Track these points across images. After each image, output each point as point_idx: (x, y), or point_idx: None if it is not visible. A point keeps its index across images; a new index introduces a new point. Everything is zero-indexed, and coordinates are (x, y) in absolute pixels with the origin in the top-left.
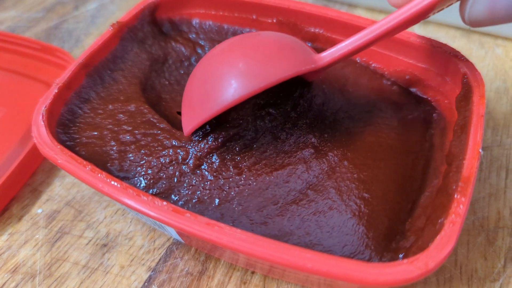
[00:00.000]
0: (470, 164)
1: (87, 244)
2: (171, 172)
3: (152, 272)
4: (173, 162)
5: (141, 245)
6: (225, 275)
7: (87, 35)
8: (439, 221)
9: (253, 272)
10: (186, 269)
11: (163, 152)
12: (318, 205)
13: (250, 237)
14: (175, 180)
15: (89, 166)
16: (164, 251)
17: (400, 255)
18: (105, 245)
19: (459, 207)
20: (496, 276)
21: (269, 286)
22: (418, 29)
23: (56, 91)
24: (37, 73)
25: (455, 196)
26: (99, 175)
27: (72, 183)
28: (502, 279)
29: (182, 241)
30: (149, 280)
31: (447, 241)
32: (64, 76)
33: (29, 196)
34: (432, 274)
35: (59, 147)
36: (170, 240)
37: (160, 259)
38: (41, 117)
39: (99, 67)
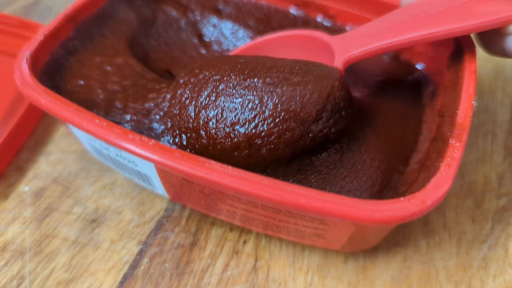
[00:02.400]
0: (464, 113)
1: (76, 220)
2: (154, 118)
3: (143, 245)
4: (156, 109)
5: (130, 219)
6: (216, 246)
7: None
8: (435, 165)
9: (245, 242)
10: (177, 241)
11: (150, 96)
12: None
13: (241, 173)
14: (159, 129)
15: (75, 106)
16: (154, 224)
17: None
18: (94, 221)
19: (454, 152)
20: (484, 238)
21: (262, 255)
22: None
23: (41, 38)
24: (17, 50)
25: (450, 141)
26: (84, 114)
27: (58, 160)
28: (490, 240)
29: (168, 197)
30: (140, 253)
31: (443, 181)
32: (49, 26)
33: (15, 174)
34: (422, 237)
35: (42, 88)
36: (160, 213)
37: (150, 232)
38: (25, 60)
39: (86, 22)
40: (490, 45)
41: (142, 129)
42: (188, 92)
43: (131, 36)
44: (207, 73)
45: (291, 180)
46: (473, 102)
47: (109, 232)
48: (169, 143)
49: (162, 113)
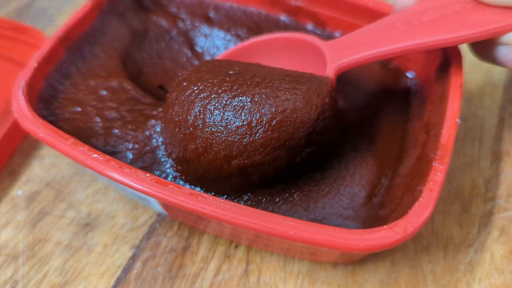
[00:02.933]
0: (447, 132)
1: (69, 224)
2: (155, 144)
3: (136, 249)
4: (156, 135)
5: (124, 223)
6: (208, 250)
7: (61, 14)
8: (418, 188)
9: (236, 246)
10: (170, 245)
11: (149, 123)
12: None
13: (233, 206)
14: (159, 154)
15: (72, 140)
16: (147, 228)
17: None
18: (87, 225)
19: (437, 175)
20: (470, 242)
21: (253, 259)
22: None
23: (36, 65)
24: (10, 53)
25: (433, 164)
26: (82, 148)
27: (52, 164)
28: (476, 244)
29: (166, 213)
30: (133, 257)
31: (425, 207)
32: (43, 50)
33: (8, 178)
34: (410, 241)
35: (40, 120)
36: (153, 218)
37: (143, 237)
38: (21, 91)
39: (78, 41)
40: (481, 53)
41: (145, 156)
42: (175, 114)
43: (124, 52)
44: (194, 88)
45: (277, 199)
46: (457, 120)
47: (102, 236)
48: (172, 168)
49: (161, 140)
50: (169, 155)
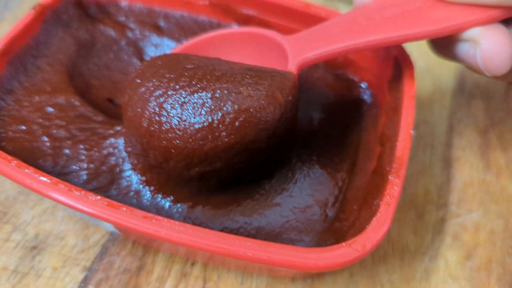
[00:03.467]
0: (402, 145)
1: (15, 247)
2: (114, 163)
3: (87, 271)
4: (115, 151)
5: (74, 244)
6: (164, 269)
7: (0, 21)
8: (375, 202)
9: (193, 264)
10: (124, 265)
11: (105, 143)
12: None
13: (188, 228)
14: (117, 170)
15: (15, 162)
16: (99, 248)
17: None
18: (35, 247)
19: (393, 188)
20: (425, 249)
21: (210, 276)
22: (344, 9)
23: None
24: None
25: (389, 177)
26: (26, 170)
27: None
28: (431, 251)
29: (119, 233)
30: (85, 280)
31: (383, 222)
32: None
33: None
34: None
35: None
36: (105, 237)
37: (95, 258)
38: None
39: (20, 54)
40: (442, 49)
41: (101, 176)
42: (131, 118)
43: (70, 65)
44: (149, 85)
45: (230, 208)
46: (411, 132)
47: (51, 259)
48: (136, 178)
49: (123, 155)
50: (133, 166)
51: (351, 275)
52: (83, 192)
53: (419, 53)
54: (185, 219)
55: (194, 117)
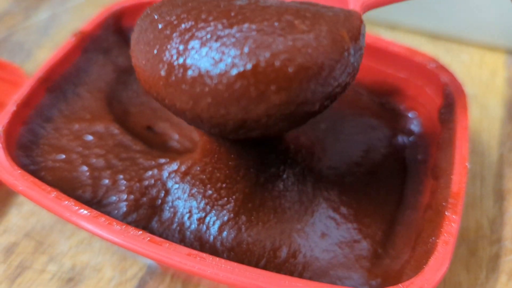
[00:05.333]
0: (458, 179)
1: (51, 279)
2: (155, 194)
3: None
4: (158, 183)
5: (111, 277)
6: None
7: (39, 48)
8: (431, 240)
9: None
10: None
11: (146, 174)
12: (289, 226)
13: (235, 267)
14: (158, 202)
15: (54, 193)
16: (137, 282)
17: (394, 273)
18: (71, 279)
19: (451, 225)
20: None
21: None
22: (384, 34)
23: (14, 108)
24: None
25: (446, 213)
26: (66, 202)
27: (31, 212)
28: None
29: (157, 266)
30: None
31: (441, 262)
32: (22, 92)
33: None
34: None
35: (19, 171)
36: (143, 270)
37: None
38: None
39: (60, 82)
40: None
41: (142, 208)
42: (144, 64)
43: (109, 92)
44: (171, 19)
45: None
46: (467, 165)
47: None
48: (181, 213)
49: (165, 188)
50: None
51: None
52: (124, 226)
53: (465, 80)
54: (229, 251)
55: (232, 59)
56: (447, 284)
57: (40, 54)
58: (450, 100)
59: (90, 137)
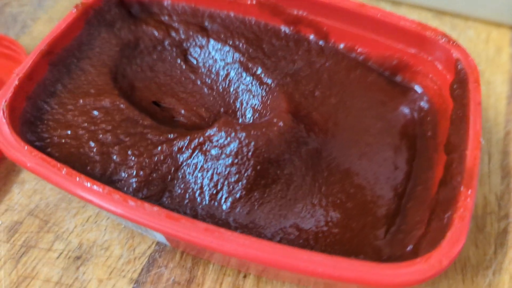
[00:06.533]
0: (472, 154)
1: (57, 257)
2: (165, 170)
3: (135, 284)
4: (168, 159)
5: (119, 255)
6: (215, 282)
7: (34, 20)
8: (446, 215)
9: (245, 276)
10: (172, 278)
11: (156, 150)
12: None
13: (254, 242)
14: (169, 178)
15: (65, 169)
16: (146, 259)
17: (408, 247)
18: (78, 258)
19: (467, 201)
20: (488, 263)
21: None
22: (389, 8)
23: (17, 82)
24: None
25: (461, 188)
26: (77, 178)
27: (34, 190)
28: (494, 265)
29: (167, 243)
30: None
31: (458, 236)
32: (24, 66)
33: None
34: None
35: (26, 148)
36: (151, 247)
37: (142, 269)
38: (1, 113)
39: (63, 55)
40: None
41: (152, 183)
42: None
43: (114, 66)
44: None
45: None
46: (481, 141)
47: (96, 271)
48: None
49: (175, 165)
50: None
51: None
52: (138, 202)
53: (472, 56)
54: (242, 228)
55: None
56: (456, 259)
57: (36, 26)
58: (463, 75)
59: (96, 113)
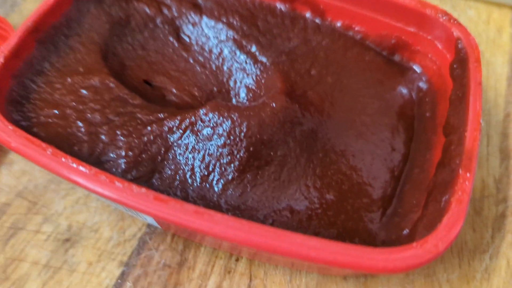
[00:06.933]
0: (472, 136)
1: (46, 240)
2: (155, 150)
3: (124, 267)
4: (158, 139)
5: (109, 237)
6: (207, 265)
7: None
8: (444, 198)
9: (237, 259)
10: (163, 261)
11: (145, 130)
12: (297, 185)
13: (245, 225)
14: (159, 159)
15: (50, 150)
16: (136, 242)
17: (404, 231)
18: (67, 240)
19: (465, 184)
20: (485, 247)
21: (256, 273)
22: None
23: (2, 61)
24: None
25: (459, 171)
26: (63, 159)
27: (22, 171)
28: (491, 249)
29: (157, 226)
30: (122, 276)
31: (455, 220)
32: (9, 43)
33: None
34: None
35: (11, 127)
36: (142, 230)
37: (132, 252)
38: None
39: (51, 33)
40: None
41: (141, 164)
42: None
43: (103, 44)
44: None
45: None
46: (481, 122)
47: (85, 253)
48: (182, 170)
49: (166, 145)
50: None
51: (407, 274)
52: (126, 184)
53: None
54: (234, 210)
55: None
56: (453, 243)
57: (26, 4)
58: (463, 54)
59: (84, 92)
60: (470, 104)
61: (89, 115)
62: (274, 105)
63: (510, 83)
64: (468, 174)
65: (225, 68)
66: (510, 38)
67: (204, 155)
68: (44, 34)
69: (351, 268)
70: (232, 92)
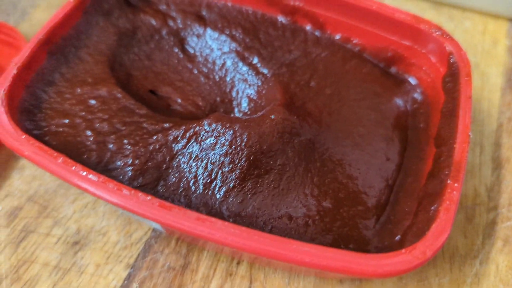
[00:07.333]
0: (461, 148)
1: (56, 242)
2: (161, 159)
3: (131, 269)
4: (163, 148)
5: (116, 240)
6: (209, 268)
7: (34, 7)
8: (432, 207)
9: (238, 263)
10: (168, 263)
11: (151, 139)
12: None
13: (244, 232)
14: (164, 167)
15: (61, 158)
16: (142, 245)
17: (396, 237)
18: (76, 243)
19: (453, 193)
20: (476, 253)
21: (256, 276)
22: (387, 1)
23: (15, 72)
24: None
25: (448, 181)
26: (73, 167)
27: (33, 176)
28: (481, 255)
29: (162, 230)
30: (129, 278)
31: (443, 228)
32: (22, 55)
33: None
34: None
35: (24, 136)
36: (148, 234)
37: (138, 255)
38: (0, 102)
39: (61, 44)
40: None
41: (147, 172)
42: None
43: (111, 55)
44: None
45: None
46: (469, 134)
47: (93, 256)
48: (186, 178)
49: (170, 153)
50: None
51: (400, 278)
52: (133, 191)
53: (467, 47)
54: (235, 217)
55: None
56: (445, 249)
57: (36, 14)
58: (455, 69)
59: (93, 101)
60: (460, 117)
61: (97, 124)
62: (273, 117)
63: (504, 93)
64: (456, 185)
65: (228, 79)
66: (505, 49)
67: (207, 164)
68: (55, 46)
69: (343, 273)
70: (234, 102)
